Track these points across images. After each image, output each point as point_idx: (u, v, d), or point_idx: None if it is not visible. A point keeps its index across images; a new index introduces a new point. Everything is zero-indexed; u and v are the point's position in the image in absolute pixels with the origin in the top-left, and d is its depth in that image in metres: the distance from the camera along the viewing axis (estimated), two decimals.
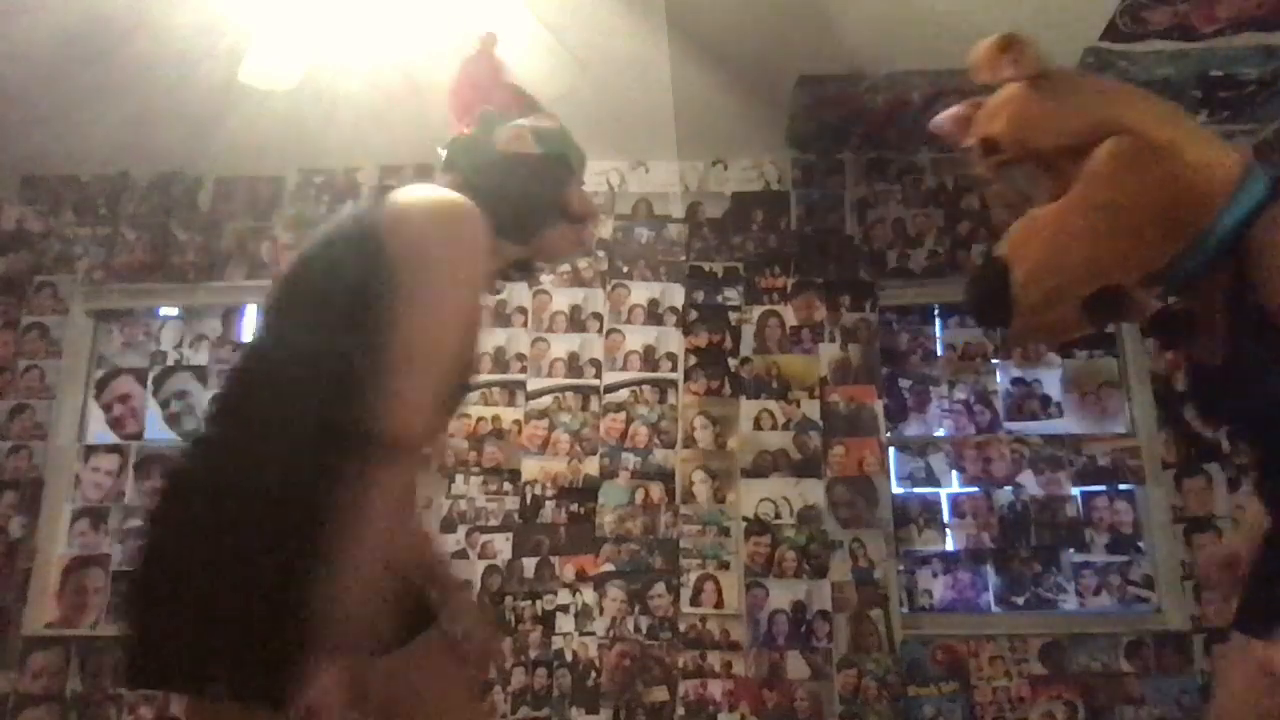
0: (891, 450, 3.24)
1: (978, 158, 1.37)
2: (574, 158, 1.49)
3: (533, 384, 3.28)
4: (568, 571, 3.09)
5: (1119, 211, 1.21)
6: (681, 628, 3.02)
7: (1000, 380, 3.33)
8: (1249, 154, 1.28)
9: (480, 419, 3.24)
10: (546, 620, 3.05)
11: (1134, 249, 1.23)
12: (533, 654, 3.01)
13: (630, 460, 3.20)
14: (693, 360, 3.29)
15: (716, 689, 2.96)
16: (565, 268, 3.41)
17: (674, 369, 3.29)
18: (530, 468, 3.20)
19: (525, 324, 3.35)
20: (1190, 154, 1.20)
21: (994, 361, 3.35)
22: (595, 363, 3.30)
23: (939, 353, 3.39)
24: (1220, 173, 1.20)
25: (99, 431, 3.44)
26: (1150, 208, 1.20)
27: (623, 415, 3.24)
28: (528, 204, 1.41)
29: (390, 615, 1.22)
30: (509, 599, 3.06)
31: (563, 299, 3.38)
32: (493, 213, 1.29)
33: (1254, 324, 1.19)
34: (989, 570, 3.14)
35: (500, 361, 3.30)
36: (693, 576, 3.07)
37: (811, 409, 3.22)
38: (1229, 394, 1.31)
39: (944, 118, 1.45)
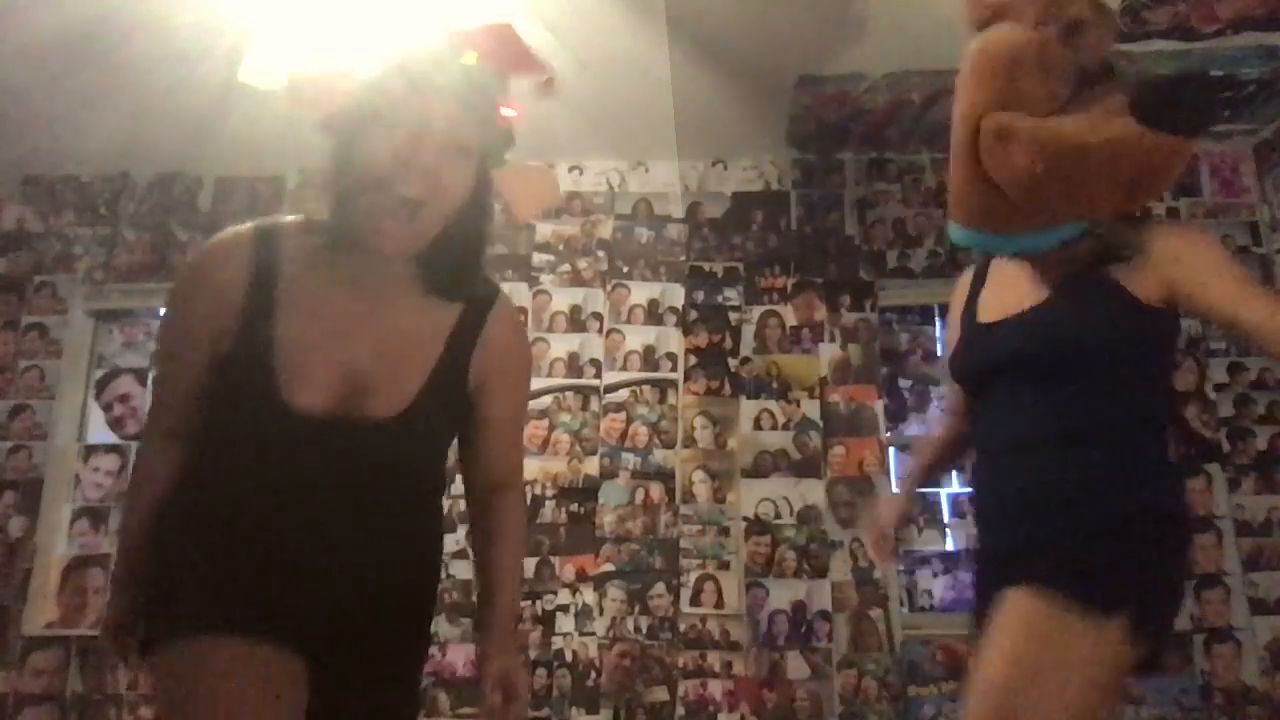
0: (891, 450, 3.23)
1: (1066, 30, 1.36)
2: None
3: (533, 384, 3.27)
4: (568, 571, 3.09)
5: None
6: (681, 628, 3.02)
7: None
8: None
9: None
10: (546, 620, 3.05)
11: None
12: (533, 654, 3.00)
13: (630, 460, 3.20)
14: (693, 360, 3.29)
15: (716, 689, 2.96)
16: (565, 267, 3.41)
17: (674, 369, 3.29)
18: (530, 468, 3.19)
19: (525, 324, 3.35)
20: None
21: None
22: (595, 363, 3.30)
23: (939, 353, 3.39)
24: None
25: (99, 431, 3.43)
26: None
27: (623, 415, 3.24)
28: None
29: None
30: None
31: (562, 299, 3.38)
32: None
33: (1083, 281, 1.43)
34: None
35: None
36: (693, 576, 3.07)
37: (811, 409, 3.22)
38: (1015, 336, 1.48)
39: None
